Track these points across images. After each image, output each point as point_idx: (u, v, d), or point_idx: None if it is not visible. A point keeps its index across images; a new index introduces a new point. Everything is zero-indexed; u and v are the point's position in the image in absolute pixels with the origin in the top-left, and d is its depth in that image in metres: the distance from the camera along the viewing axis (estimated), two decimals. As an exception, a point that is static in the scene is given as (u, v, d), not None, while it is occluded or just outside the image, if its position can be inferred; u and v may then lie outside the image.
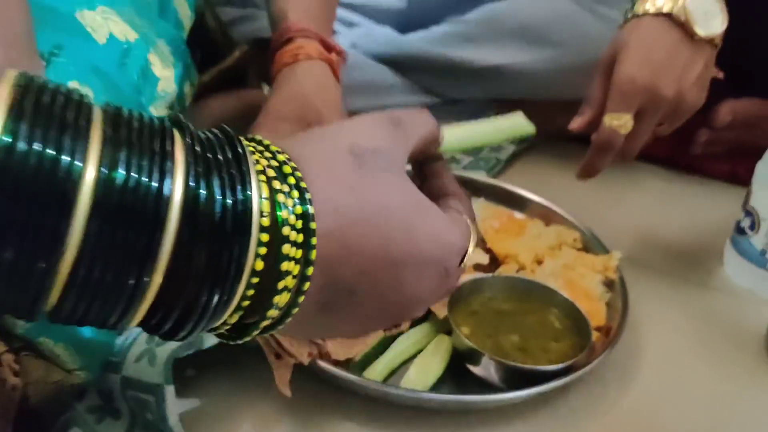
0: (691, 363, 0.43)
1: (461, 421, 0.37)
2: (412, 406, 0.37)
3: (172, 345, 0.33)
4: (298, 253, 0.18)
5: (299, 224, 0.18)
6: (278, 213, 0.18)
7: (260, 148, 0.20)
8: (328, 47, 0.49)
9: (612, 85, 0.48)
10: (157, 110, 0.43)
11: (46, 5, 0.36)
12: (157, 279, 0.16)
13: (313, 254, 0.19)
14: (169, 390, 0.32)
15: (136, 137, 0.16)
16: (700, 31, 0.47)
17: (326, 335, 0.28)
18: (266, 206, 0.18)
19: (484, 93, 0.72)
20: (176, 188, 0.16)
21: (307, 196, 0.19)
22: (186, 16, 0.52)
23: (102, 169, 0.15)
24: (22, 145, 0.14)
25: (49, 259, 0.15)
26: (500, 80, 0.69)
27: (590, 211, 0.55)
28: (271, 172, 0.19)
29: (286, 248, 0.18)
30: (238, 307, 0.18)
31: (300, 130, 0.41)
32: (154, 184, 0.16)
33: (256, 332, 0.20)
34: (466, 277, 0.44)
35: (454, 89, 0.72)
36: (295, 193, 0.19)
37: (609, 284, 0.47)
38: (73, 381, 0.30)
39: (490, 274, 0.45)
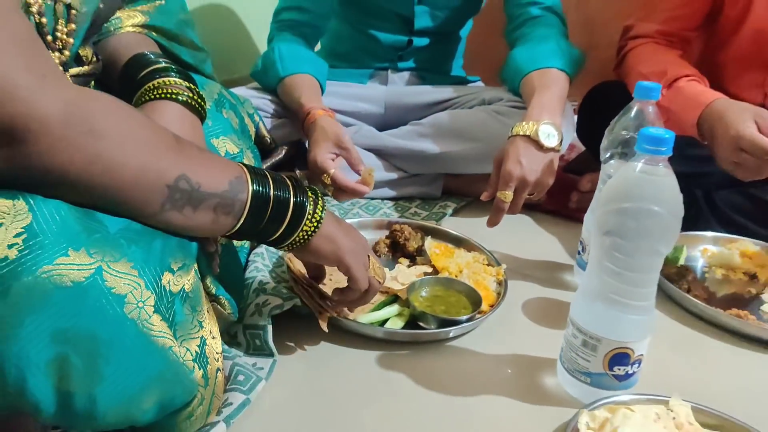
0: (539, 322, 0.78)
1: (412, 347, 0.71)
2: (386, 339, 0.71)
3: (270, 306, 0.67)
4: (320, 211, 0.56)
5: (321, 207, 0.56)
6: (319, 207, 0.56)
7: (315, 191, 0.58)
8: (324, 109, 0.93)
9: (500, 176, 0.85)
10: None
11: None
12: (282, 226, 0.54)
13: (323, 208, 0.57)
14: (269, 328, 0.66)
15: (282, 184, 0.53)
16: (546, 144, 0.84)
17: (343, 237, 0.60)
18: (311, 204, 0.56)
19: (433, 170, 1.09)
20: (290, 197, 0.54)
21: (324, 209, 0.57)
22: (253, 132, 0.89)
23: (276, 192, 0.52)
24: (256, 187, 0.51)
25: (237, 216, 0.51)
26: (443, 162, 1.06)
27: (495, 244, 0.91)
28: (311, 196, 0.56)
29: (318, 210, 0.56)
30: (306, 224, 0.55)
31: (334, 144, 0.89)
32: (285, 196, 0.53)
33: (310, 225, 0.56)
34: (420, 278, 0.79)
35: (415, 168, 1.09)
36: (321, 207, 0.56)
37: (500, 283, 0.82)
38: (228, 319, 0.63)
39: (432, 276, 0.80)
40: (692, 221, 1.04)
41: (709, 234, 0.99)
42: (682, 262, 0.94)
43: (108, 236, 0.43)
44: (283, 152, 0.92)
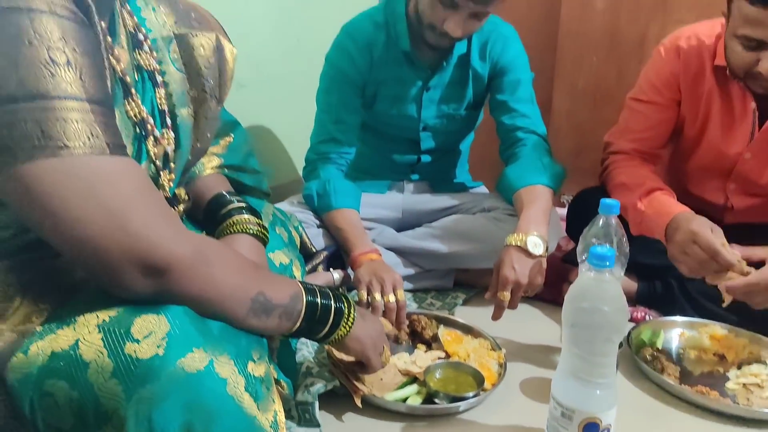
0: (533, 397, 0.94)
1: (429, 419, 0.88)
2: (408, 413, 0.88)
3: (316, 386, 0.85)
4: (352, 313, 0.76)
5: (353, 311, 0.77)
6: (351, 310, 0.76)
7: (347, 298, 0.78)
8: (375, 251, 1.10)
9: (498, 280, 1.04)
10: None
11: (261, 253, 0.93)
12: (326, 327, 0.74)
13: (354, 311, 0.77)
14: (316, 404, 0.84)
15: (326, 295, 0.74)
16: (534, 252, 1.04)
17: (367, 336, 0.80)
18: (346, 308, 0.76)
19: (445, 266, 1.29)
20: (332, 303, 0.74)
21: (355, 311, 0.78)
22: (298, 241, 1.11)
23: (323, 301, 0.72)
24: (309, 298, 0.71)
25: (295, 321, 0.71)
26: (453, 259, 1.26)
27: (499, 330, 1.08)
28: (345, 302, 0.76)
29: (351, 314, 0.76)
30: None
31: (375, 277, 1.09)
32: (329, 303, 0.73)
33: (345, 327, 0.76)
34: (434, 361, 0.97)
35: (429, 264, 1.29)
36: (353, 311, 0.76)
37: (501, 365, 1.00)
38: (286, 397, 0.82)
39: (444, 360, 0.98)
40: (669, 307, 1.21)
41: (683, 319, 1.15)
42: (659, 345, 1.10)
43: (214, 337, 0.63)
44: (322, 256, 1.13)
